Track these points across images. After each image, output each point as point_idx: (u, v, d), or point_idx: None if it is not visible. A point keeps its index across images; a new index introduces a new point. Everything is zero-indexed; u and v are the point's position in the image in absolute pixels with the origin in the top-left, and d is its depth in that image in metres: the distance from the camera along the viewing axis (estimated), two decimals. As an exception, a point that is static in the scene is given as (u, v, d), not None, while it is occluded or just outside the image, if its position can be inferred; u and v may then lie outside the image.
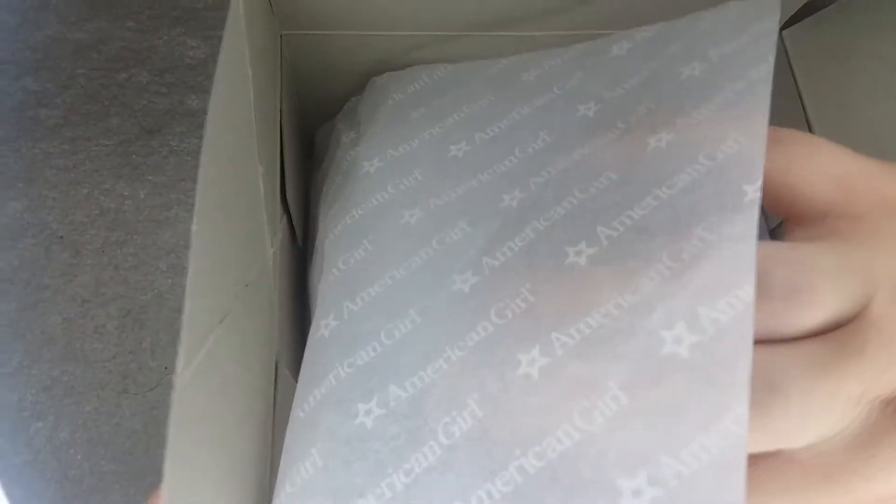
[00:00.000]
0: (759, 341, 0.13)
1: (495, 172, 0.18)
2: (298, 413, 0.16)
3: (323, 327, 0.17)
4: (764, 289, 0.13)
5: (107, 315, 0.35)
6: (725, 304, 0.12)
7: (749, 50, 0.14)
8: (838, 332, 0.13)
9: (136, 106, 0.43)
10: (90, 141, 0.41)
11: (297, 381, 0.18)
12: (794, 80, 0.29)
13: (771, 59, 0.14)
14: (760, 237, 0.12)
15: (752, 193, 0.13)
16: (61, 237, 0.37)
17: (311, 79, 0.31)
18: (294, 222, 0.26)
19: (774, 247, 0.14)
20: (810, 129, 0.29)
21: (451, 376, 0.14)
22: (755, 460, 0.13)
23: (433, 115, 0.22)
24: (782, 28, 0.30)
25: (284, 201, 0.25)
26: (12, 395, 0.32)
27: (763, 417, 0.12)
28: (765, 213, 0.30)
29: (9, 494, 0.29)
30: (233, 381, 0.15)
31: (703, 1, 0.20)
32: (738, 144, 0.14)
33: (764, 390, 0.12)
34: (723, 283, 0.12)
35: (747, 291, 0.12)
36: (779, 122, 0.15)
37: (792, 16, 0.30)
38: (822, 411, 0.12)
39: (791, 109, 0.29)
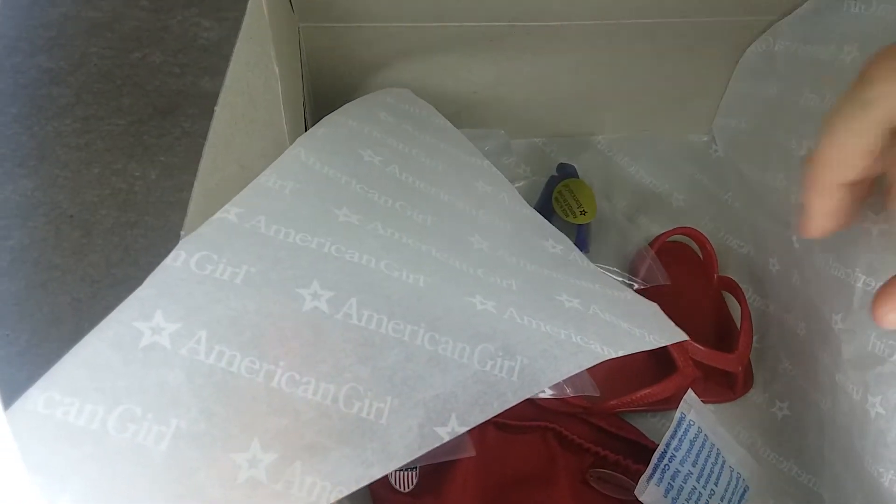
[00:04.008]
0: None
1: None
2: None
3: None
4: None
5: (116, 296, 0.34)
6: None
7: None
8: None
9: (149, 86, 0.42)
10: (102, 120, 0.40)
11: None
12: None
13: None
14: None
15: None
16: (72, 216, 0.37)
17: (326, 69, 0.31)
18: None
19: None
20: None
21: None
22: None
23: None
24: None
25: None
26: (20, 374, 0.32)
27: None
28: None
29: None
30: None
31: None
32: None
33: None
34: None
35: None
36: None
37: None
38: None
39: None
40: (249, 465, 0.13)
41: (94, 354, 0.14)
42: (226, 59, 0.46)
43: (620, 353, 0.16)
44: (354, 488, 0.14)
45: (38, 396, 0.13)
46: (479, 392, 0.15)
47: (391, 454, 0.14)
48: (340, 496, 0.13)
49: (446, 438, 0.14)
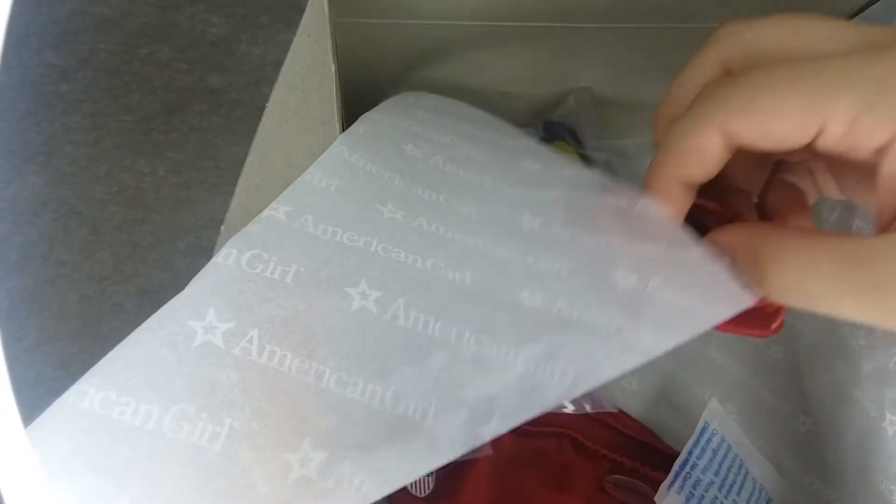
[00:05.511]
0: None
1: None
2: None
3: None
4: None
5: (125, 293, 0.34)
6: None
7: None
8: None
9: (157, 82, 0.42)
10: (111, 117, 0.40)
11: None
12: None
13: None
14: None
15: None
16: (80, 213, 0.37)
17: (358, 66, 0.30)
18: None
19: None
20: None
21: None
22: None
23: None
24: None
25: None
26: (29, 371, 0.32)
27: None
28: None
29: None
30: None
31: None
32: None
33: None
34: None
35: None
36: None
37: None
38: None
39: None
40: (301, 465, 0.13)
41: (149, 353, 0.14)
42: (234, 55, 0.46)
43: (672, 345, 0.15)
44: (401, 485, 0.14)
45: (94, 395, 0.13)
46: (521, 394, 0.15)
47: (436, 452, 0.14)
48: (388, 492, 0.13)
49: (489, 437, 0.14)
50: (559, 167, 0.22)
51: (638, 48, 0.30)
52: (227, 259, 0.15)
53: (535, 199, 0.20)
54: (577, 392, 0.15)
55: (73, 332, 0.33)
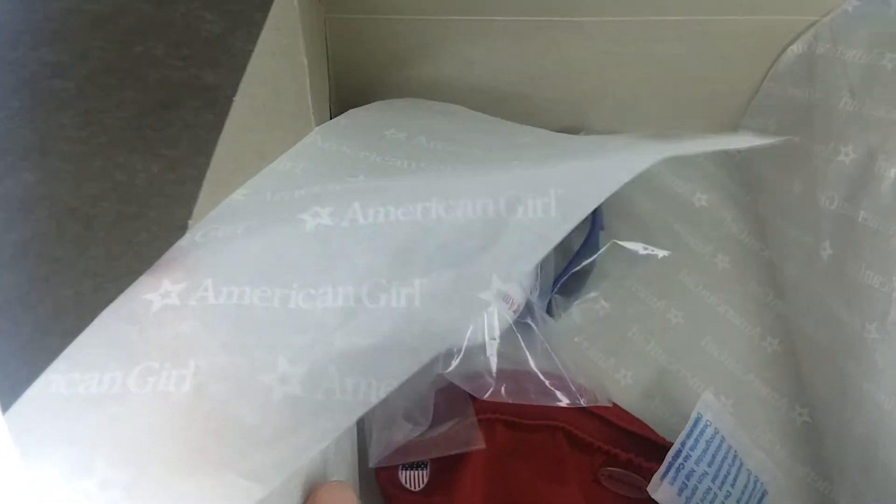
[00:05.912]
0: None
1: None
2: None
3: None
4: None
5: (119, 289, 0.34)
6: None
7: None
8: None
9: (151, 79, 0.42)
10: (104, 113, 0.40)
11: None
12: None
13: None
14: None
15: None
16: (74, 210, 0.37)
17: (351, 62, 0.31)
18: None
19: None
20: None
21: None
22: None
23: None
24: None
25: None
26: (24, 368, 0.32)
27: None
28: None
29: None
30: None
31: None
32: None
33: None
34: None
35: None
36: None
37: None
38: None
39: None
40: (281, 383, 0.13)
41: (109, 331, 0.14)
42: (229, 51, 0.46)
43: (680, 153, 0.15)
44: (405, 377, 0.13)
45: (60, 380, 0.14)
46: (516, 243, 0.14)
47: (435, 334, 0.13)
48: (391, 389, 0.13)
49: (493, 301, 0.13)
50: (553, 137, 0.22)
51: (632, 42, 0.30)
52: (181, 241, 0.16)
53: (527, 155, 0.19)
54: (581, 214, 0.14)
55: (68, 328, 0.33)
